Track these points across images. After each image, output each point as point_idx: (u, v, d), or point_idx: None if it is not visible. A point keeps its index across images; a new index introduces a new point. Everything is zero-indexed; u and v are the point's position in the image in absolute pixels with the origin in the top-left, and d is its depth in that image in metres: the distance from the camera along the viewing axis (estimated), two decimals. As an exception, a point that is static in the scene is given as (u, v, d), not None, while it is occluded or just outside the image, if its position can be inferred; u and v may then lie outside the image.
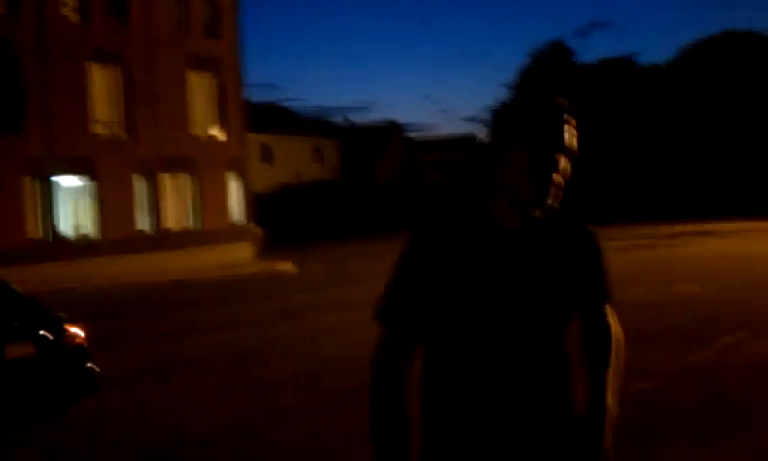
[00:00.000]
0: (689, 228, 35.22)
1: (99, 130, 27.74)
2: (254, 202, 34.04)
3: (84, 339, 8.07)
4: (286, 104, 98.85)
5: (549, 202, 2.08)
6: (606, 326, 2.24)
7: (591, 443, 2.13)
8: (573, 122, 2.10)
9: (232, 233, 31.17)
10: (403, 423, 2.09)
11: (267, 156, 53.59)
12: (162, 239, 28.78)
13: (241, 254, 30.64)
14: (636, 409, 6.85)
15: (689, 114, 50.03)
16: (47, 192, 26.09)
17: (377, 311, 2.14)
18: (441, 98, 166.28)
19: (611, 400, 2.18)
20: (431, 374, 2.14)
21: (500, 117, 2.14)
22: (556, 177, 2.06)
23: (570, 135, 2.09)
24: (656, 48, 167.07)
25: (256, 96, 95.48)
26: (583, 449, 2.11)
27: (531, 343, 2.07)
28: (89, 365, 8.05)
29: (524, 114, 2.08)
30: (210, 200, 30.64)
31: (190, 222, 30.34)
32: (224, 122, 31.51)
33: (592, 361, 2.23)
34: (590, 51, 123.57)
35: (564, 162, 2.08)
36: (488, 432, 2.06)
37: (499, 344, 2.06)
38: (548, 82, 54.13)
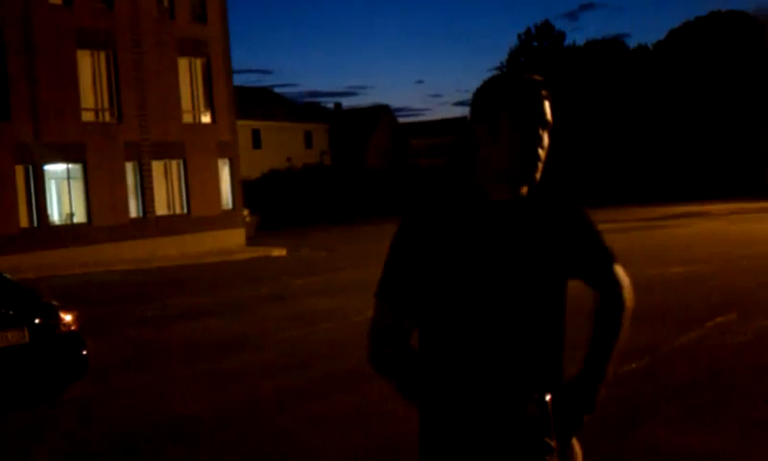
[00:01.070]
0: (680, 209, 35.38)
1: (88, 116, 27.61)
2: (244, 187, 33.98)
3: (77, 326, 8.09)
4: (279, 89, 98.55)
5: (537, 176, 2.15)
6: (619, 288, 2.27)
7: (579, 405, 2.18)
8: (549, 97, 2.15)
9: (223, 219, 31.12)
10: (410, 374, 2.18)
11: (257, 141, 53.48)
12: (152, 225, 28.72)
13: (231, 240, 30.62)
14: (627, 388, 6.93)
15: (679, 96, 50.13)
16: (37, 180, 25.97)
17: (377, 288, 2.20)
18: (433, 83, 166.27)
19: (609, 369, 2.24)
20: (426, 349, 2.18)
21: (480, 98, 2.17)
22: (541, 152, 2.13)
23: (549, 110, 2.15)
24: (646, 30, 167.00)
25: (249, 81, 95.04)
26: (569, 410, 2.16)
27: (522, 313, 2.12)
28: (82, 352, 8.07)
29: (503, 93, 2.13)
30: (200, 185, 30.56)
31: (180, 207, 30.27)
32: (213, 107, 31.39)
33: (600, 327, 2.26)
34: (580, 32, 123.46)
35: (546, 137, 2.15)
36: (480, 402, 2.10)
37: (491, 314, 2.10)
38: (537, 63, 54.12)
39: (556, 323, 2.19)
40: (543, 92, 2.14)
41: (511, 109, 2.10)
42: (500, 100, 2.12)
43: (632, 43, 62.26)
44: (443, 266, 2.09)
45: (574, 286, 2.27)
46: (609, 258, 2.28)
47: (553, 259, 2.16)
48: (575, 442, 2.24)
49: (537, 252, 2.13)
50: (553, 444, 2.10)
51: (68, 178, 27.34)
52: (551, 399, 2.11)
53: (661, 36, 57.48)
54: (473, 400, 2.11)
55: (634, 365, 7.79)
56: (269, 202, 42.41)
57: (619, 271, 2.29)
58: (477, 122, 2.16)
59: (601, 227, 2.28)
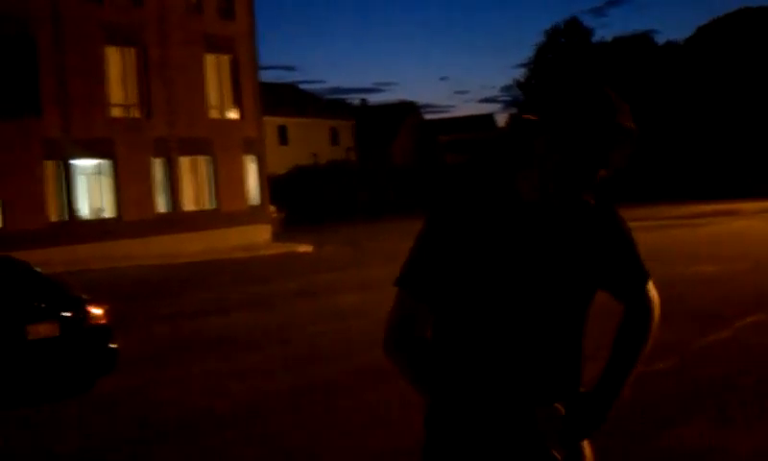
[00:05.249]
0: (711, 208, 34.98)
1: (116, 112, 27.87)
2: (270, 183, 34.11)
3: (106, 320, 8.16)
4: (305, 86, 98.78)
5: (587, 192, 2.08)
6: (649, 309, 2.20)
7: (589, 418, 2.09)
8: (628, 114, 2.05)
9: (249, 215, 31.26)
10: (422, 365, 2.16)
11: (283, 137, 53.63)
12: (180, 221, 28.92)
13: (258, 236, 30.75)
14: (654, 388, 6.86)
15: (709, 92, 49.53)
16: (67, 175, 26.26)
17: (398, 276, 2.16)
18: (458, 79, 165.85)
19: (627, 386, 2.17)
20: (438, 343, 2.14)
21: (552, 105, 2.06)
22: (603, 173, 2.04)
23: (626, 129, 2.04)
24: (674, 26, 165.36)
25: (275, 78, 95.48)
26: (579, 421, 2.08)
27: (542, 318, 2.06)
28: (111, 345, 8.14)
29: (579, 108, 2.01)
30: (227, 181, 30.73)
31: (207, 203, 30.47)
32: (239, 103, 31.54)
33: (623, 344, 2.19)
34: (607, 29, 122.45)
35: (615, 156, 2.04)
36: (488, 405, 2.07)
37: (509, 316, 2.06)
38: (565, 60, 53.74)
39: (576, 332, 2.13)
40: (621, 111, 2.02)
41: (591, 126, 1.98)
42: (574, 114, 2.00)
43: (660, 40, 61.47)
44: (467, 261, 2.06)
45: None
46: (643, 276, 2.19)
47: (583, 268, 2.09)
48: (586, 444, 2.16)
49: (566, 258, 2.07)
50: (559, 456, 2.05)
51: (97, 173, 27.61)
52: (563, 407, 2.06)
53: (690, 33, 56.87)
54: (481, 401, 2.07)
55: (662, 364, 7.71)
56: (295, 198, 42.53)
57: (651, 290, 2.21)
58: (547, 126, 2.04)
59: (631, 224, 2.24)
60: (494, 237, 2.06)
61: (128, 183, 27.57)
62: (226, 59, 31.18)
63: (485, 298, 2.06)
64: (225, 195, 30.63)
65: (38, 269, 8.52)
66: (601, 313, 2.23)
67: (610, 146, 2.00)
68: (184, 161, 29.58)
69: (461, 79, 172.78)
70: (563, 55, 55.98)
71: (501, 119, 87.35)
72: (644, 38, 56.04)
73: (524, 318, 2.06)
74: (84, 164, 27.32)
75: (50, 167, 25.84)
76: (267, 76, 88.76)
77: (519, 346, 2.06)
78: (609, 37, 59.59)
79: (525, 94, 59.04)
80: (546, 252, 2.06)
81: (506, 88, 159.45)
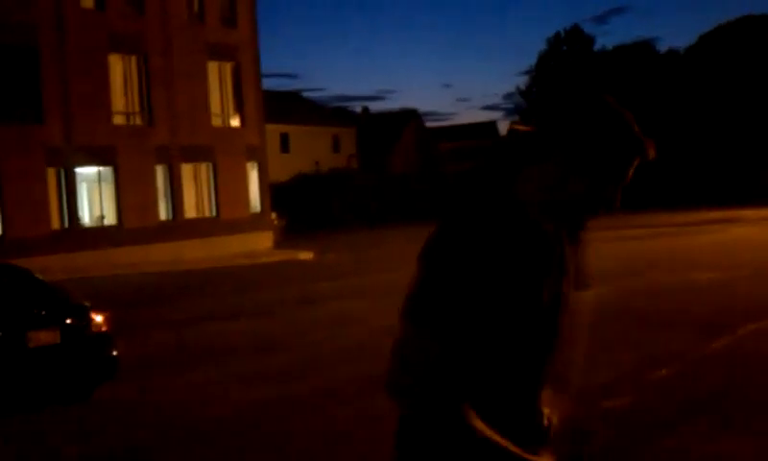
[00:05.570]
0: (712, 215, 34.97)
1: (118, 119, 27.92)
2: (272, 191, 34.15)
3: (107, 327, 8.17)
4: (307, 94, 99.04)
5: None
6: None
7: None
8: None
9: (251, 222, 31.29)
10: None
11: (285, 145, 53.71)
12: (181, 228, 28.95)
13: (259, 243, 30.77)
14: (657, 394, 6.85)
15: (711, 100, 49.55)
16: (69, 182, 26.30)
17: (422, 316, 1.88)
18: (460, 87, 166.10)
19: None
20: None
21: (576, 128, 1.92)
22: (606, 208, 1.98)
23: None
24: (676, 34, 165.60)
25: (278, 86, 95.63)
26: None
27: (554, 340, 2.01)
28: (113, 352, 8.14)
29: (612, 129, 1.91)
30: (229, 189, 30.77)
31: (209, 210, 30.50)
32: (241, 111, 31.61)
33: None
34: (609, 37, 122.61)
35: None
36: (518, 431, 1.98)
37: (539, 341, 1.98)
38: (567, 68, 53.78)
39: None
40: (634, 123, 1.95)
41: (609, 164, 1.91)
42: (595, 134, 1.90)
43: (662, 47, 61.53)
44: (499, 292, 1.87)
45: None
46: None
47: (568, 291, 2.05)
48: None
49: (566, 283, 2.02)
50: None
51: (99, 180, 27.66)
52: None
53: (692, 41, 56.92)
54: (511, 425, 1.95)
55: (664, 371, 7.71)
56: (296, 205, 42.57)
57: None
58: (560, 155, 1.92)
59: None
60: (525, 263, 1.91)
61: (129, 191, 27.60)
62: (228, 66, 31.26)
63: (519, 328, 1.93)
64: (226, 202, 30.67)
65: (39, 276, 8.52)
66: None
67: (631, 162, 1.94)
68: (186, 169, 29.62)
69: (463, 86, 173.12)
70: (564, 62, 56.06)
71: (503, 127, 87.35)
72: (646, 46, 56.12)
73: (546, 342, 1.99)
74: (86, 171, 27.37)
75: (52, 174, 25.88)
76: (269, 84, 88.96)
77: (543, 372, 2.00)
78: (610, 45, 59.71)
79: (527, 102, 59.12)
80: (561, 277, 2.00)
81: (508, 96, 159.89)
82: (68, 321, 7.86)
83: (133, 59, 28.21)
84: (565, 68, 54.43)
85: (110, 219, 27.64)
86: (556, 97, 2.00)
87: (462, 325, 1.85)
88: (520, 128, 2.04)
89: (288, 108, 55.29)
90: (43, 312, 7.84)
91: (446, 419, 1.87)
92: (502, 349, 1.93)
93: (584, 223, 2.03)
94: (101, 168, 27.43)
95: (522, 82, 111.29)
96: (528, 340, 1.93)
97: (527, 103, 58.92)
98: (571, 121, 1.94)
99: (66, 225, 26.28)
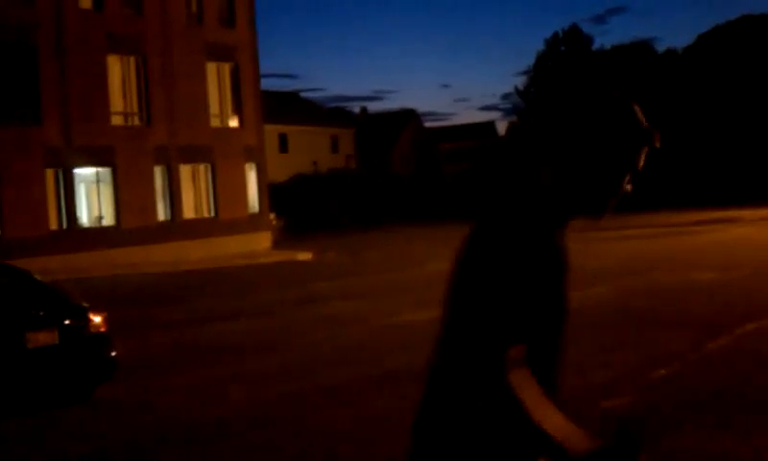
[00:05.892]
0: (711, 215, 34.96)
1: (117, 120, 27.90)
2: (271, 191, 34.14)
3: (106, 327, 8.15)
4: (305, 94, 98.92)
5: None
6: None
7: None
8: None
9: (249, 223, 31.28)
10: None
11: (283, 145, 53.70)
12: (180, 228, 28.94)
13: (258, 243, 30.76)
14: (656, 393, 6.85)
15: (709, 100, 49.56)
16: (67, 183, 26.28)
17: (500, 338, 1.91)
18: (459, 87, 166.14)
19: None
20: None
21: (587, 122, 2.00)
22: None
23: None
24: (674, 34, 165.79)
25: (276, 86, 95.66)
26: None
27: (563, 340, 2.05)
28: (111, 353, 8.13)
29: (620, 118, 2.00)
30: (227, 189, 30.76)
31: (207, 211, 30.49)
32: (240, 111, 31.60)
33: None
34: (608, 37, 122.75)
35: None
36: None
37: (558, 340, 2.03)
38: (565, 69, 53.78)
39: None
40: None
41: (627, 155, 2.00)
42: (621, 144, 1.98)
43: (660, 47, 61.53)
44: (536, 298, 1.93)
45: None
46: None
47: None
48: None
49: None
50: None
51: (97, 181, 27.64)
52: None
53: (690, 40, 56.96)
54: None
55: (663, 371, 7.70)
56: (295, 206, 42.53)
57: None
58: (579, 150, 1.99)
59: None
60: (551, 270, 1.97)
61: (128, 191, 27.59)
62: (226, 67, 31.25)
63: (547, 329, 1.99)
64: (225, 203, 30.65)
65: (38, 277, 8.51)
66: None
67: (639, 149, 2.02)
68: (185, 169, 29.61)
69: (461, 87, 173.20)
70: (563, 63, 56.06)
71: (502, 127, 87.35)
72: (644, 46, 56.12)
73: (561, 343, 2.04)
74: (84, 172, 27.35)
75: (50, 175, 25.86)
76: (268, 84, 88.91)
77: (558, 372, 2.05)
78: (609, 45, 59.74)
79: (525, 102, 59.10)
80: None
81: (506, 96, 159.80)
82: (67, 321, 7.85)
83: (132, 59, 28.20)
84: (564, 68, 54.42)
85: (109, 220, 27.62)
86: (563, 95, 2.03)
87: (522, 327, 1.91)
88: (527, 127, 2.08)
89: (286, 108, 55.27)
90: (42, 313, 7.82)
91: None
92: (534, 350, 1.95)
93: (603, 215, 2.07)
94: (99, 169, 27.41)
95: (520, 82, 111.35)
96: (554, 340, 2.01)
97: (525, 103, 58.90)
98: (580, 114, 2.01)
99: (65, 225, 26.26)
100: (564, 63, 55.74)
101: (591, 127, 1.99)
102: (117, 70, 27.93)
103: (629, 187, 2.04)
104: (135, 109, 28.44)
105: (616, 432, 1.87)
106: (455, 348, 2.01)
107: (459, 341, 2.00)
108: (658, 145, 2.05)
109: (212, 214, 30.52)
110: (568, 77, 52.14)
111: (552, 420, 1.90)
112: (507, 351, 1.89)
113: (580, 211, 2.04)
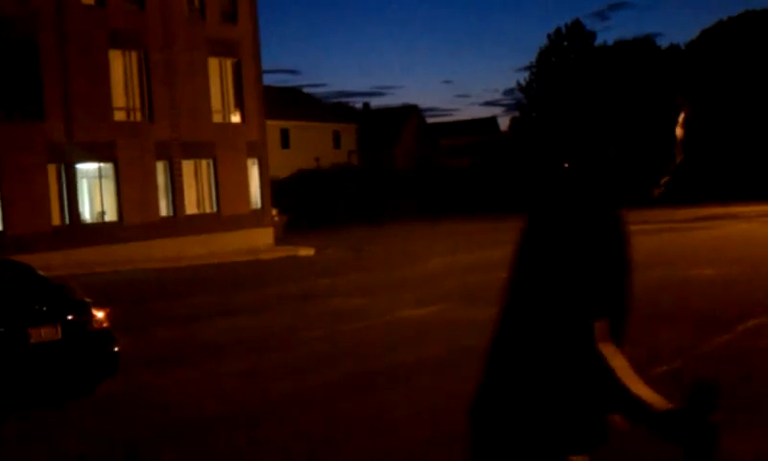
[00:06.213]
0: (711, 211, 34.95)
1: (119, 115, 27.92)
2: (273, 187, 34.14)
3: (108, 323, 8.17)
4: (307, 89, 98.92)
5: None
6: None
7: None
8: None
9: (251, 218, 31.30)
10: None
11: (285, 141, 53.68)
12: (182, 224, 28.96)
13: (260, 239, 30.78)
14: (657, 390, 6.85)
15: (711, 95, 49.47)
16: (69, 178, 26.30)
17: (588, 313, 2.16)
18: (461, 83, 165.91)
19: None
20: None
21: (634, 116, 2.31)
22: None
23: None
24: (677, 29, 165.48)
25: (278, 82, 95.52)
26: None
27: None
28: (114, 349, 8.15)
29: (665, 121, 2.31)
30: (229, 185, 30.77)
31: (209, 207, 30.50)
32: (242, 107, 31.60)
33: None
34: (610, 32, 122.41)
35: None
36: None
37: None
38: (568, 64, 53.70)
39: None
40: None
41: (669, 131, 2.32)
42: (664, 123, 2.33)
43: (663, 43, 61.50)
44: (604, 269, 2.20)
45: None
46: None
47: None
48: None
49: None
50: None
51: (99, 176, 27.66)
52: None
53: (693, 36, 56.85)
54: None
55: (665, 367, 7.72)
56: (297, 201, 42.54)
57: None
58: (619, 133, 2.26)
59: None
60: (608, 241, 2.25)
61: (130, 187, 27.61)
62: (228, 62, 31.24)
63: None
64: (227, 198, 30.67)
65: (41, 272, 8.53)
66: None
67: (676, 116, 2.33)
68: (187, 165, 29.62)
69: (463, 82, 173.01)
70: (565, 58, 55.99)
71: (504, 122, 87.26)
72: (647, 42, 56.03)
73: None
74: (86, 168, 27.37)
75: (52, 170, 25.88)
76: (270, 79, 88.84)
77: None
78: (611, 41, 59.62)
79: (527, 97, 59.03)
80: None
81: (508, 92, 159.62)
82: (69, 317, 7.86)
83: (134, 54, 28.20)
84: (566, 63, 54.35)
85: (111, 215, 27.65)
86: (587, 85, 2.25)
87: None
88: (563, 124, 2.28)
89: (288, 103, 55.25)
90: (44, 308, 7.84)
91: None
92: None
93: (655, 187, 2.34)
94: (101, 164, 27.43)
95: (523, 77, 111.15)
96: (623, 310, 2.34)
97: (527, 98, 58.84)
98: (642, 109, 2.35)
99: (67, 221, 26.28)
100: (566, 59, 55.67)
101: (651, 119, 2.31)
102: (119, 65, 27.93)
103: (679, 157, 2.31)
104: (137, 104, 28.45)
105: (691, 394, 2.13)
106: (536, 326, 2.15)
107: (541, 319, 2.14)
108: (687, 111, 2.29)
109: (214, 210, 30.54)
110: (572, 72, 52.03)
111: (638, 385, 2.24)
112: (593, 325, 2.13)
113: (640, 184, 2.28)
